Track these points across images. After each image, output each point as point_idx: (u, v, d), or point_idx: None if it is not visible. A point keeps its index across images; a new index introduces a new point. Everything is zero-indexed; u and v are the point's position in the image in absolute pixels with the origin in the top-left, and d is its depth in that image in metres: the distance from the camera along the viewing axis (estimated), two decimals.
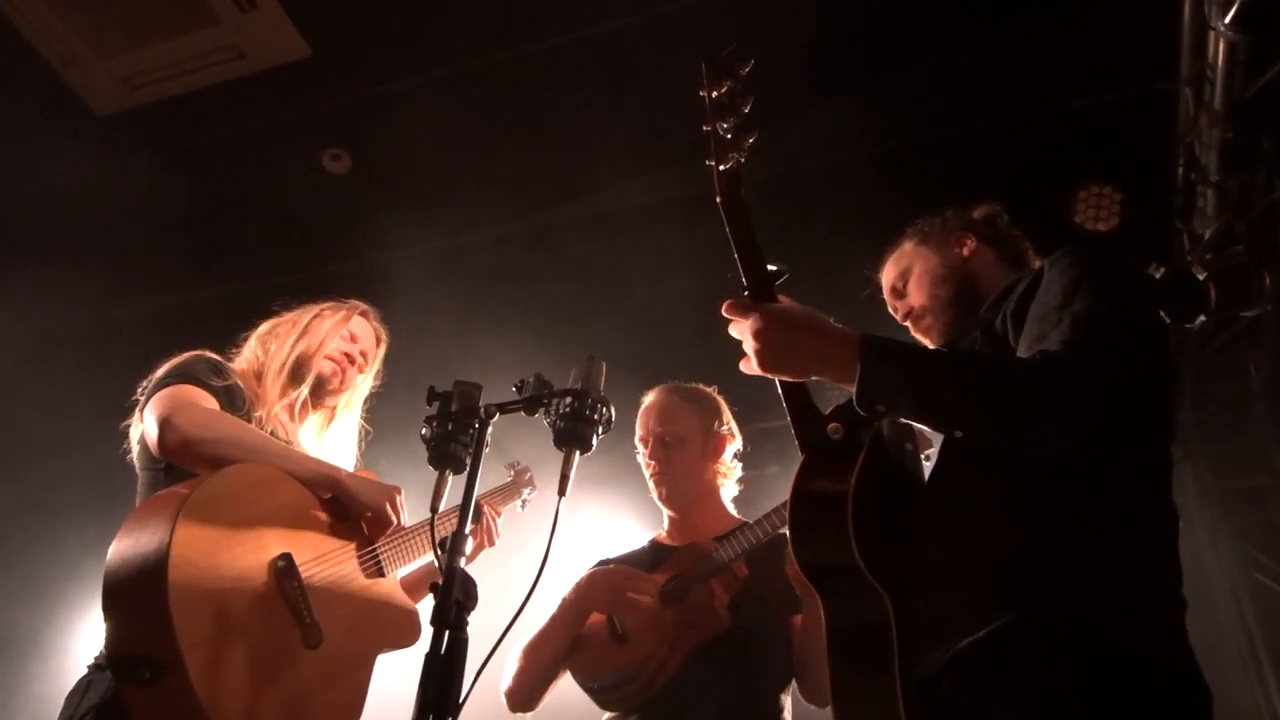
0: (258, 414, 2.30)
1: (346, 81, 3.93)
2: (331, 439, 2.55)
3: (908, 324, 2.07)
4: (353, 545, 2.21)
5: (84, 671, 2.05)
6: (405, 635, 2.23)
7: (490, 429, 1.78)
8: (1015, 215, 2.13)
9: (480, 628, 1.53)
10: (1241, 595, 4.64)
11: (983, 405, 1.44)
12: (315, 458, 2.30)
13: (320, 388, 2.47)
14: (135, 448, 2.28)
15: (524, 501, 2.95)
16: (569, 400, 1.76)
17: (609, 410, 1.80)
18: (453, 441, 1.77)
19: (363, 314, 2.63)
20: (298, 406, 2.41)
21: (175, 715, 1.73)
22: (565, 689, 2.48)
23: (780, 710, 2.36)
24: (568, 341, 4.32)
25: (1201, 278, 3.79)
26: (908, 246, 2.12)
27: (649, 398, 2.72)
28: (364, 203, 4.41)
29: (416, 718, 1.40)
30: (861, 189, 3.87)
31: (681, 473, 2.59)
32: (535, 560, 1.62)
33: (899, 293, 2.09)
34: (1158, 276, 3.86)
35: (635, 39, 3.60)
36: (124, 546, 1.84)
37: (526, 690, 2.43)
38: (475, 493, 1.70)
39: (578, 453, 1.75)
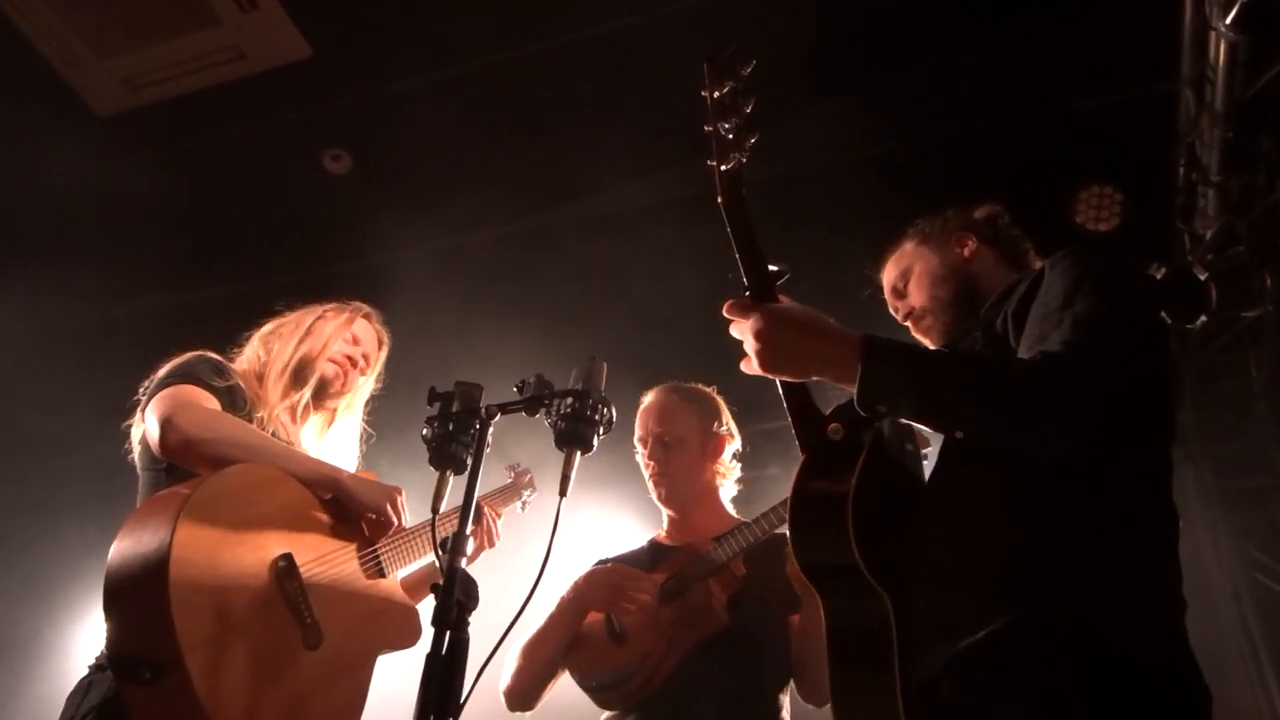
0: (259, 415, 2.30)
1: (347, 82, 3.94)
2: (333, 440, 2.55)
3: (908, 324, 2.07)
4: (353, 546, 2.21)
5: (85, 672, 2.05)
6: (406, 636, 2.23)
7: (491, 429, 1.78)
8: (1016, 216, 2.12)
9: (481, 628, 1.54)
10: (1242, 595, 4.64)
11: (983, 405, 1.44)
12: (316, 458, 2.30)
13: (323, 390, 2.47)
14: (136, 448, 2.29)
15: (524, 503, 2.95)
16: (570, 401, 1.76)
17: (610, 410, 1.79)
18: (453, 442, 1.77)
19: (365, 316, 2.63)
20: (300, 408, 2.41)
21: (176, 715, 1.73)
22: (565, 688, 2.49)
23: (778, 709, 2.37)
24: (568, 342, 4.31)
25: (1202, 278, 3.79)
26: (908, 247, 2.12)
27: (648, 398, 2.72)
28: (364, 203, 4.41)
29: (417, 718, 1.40)
30: (862, 189, 3.86)
31: (680, 473, 2.59)
32: (536, 561, 1.62)
33: (900, 293, 2.09)
34: (1159, 277, 3.86)
35: (635, 39, 3.60)
36: (125, 546, 1.84)
37: (525, 689, 2.43)
38: (476, 493, 1.70)
39: (579, 453, 1.74)
